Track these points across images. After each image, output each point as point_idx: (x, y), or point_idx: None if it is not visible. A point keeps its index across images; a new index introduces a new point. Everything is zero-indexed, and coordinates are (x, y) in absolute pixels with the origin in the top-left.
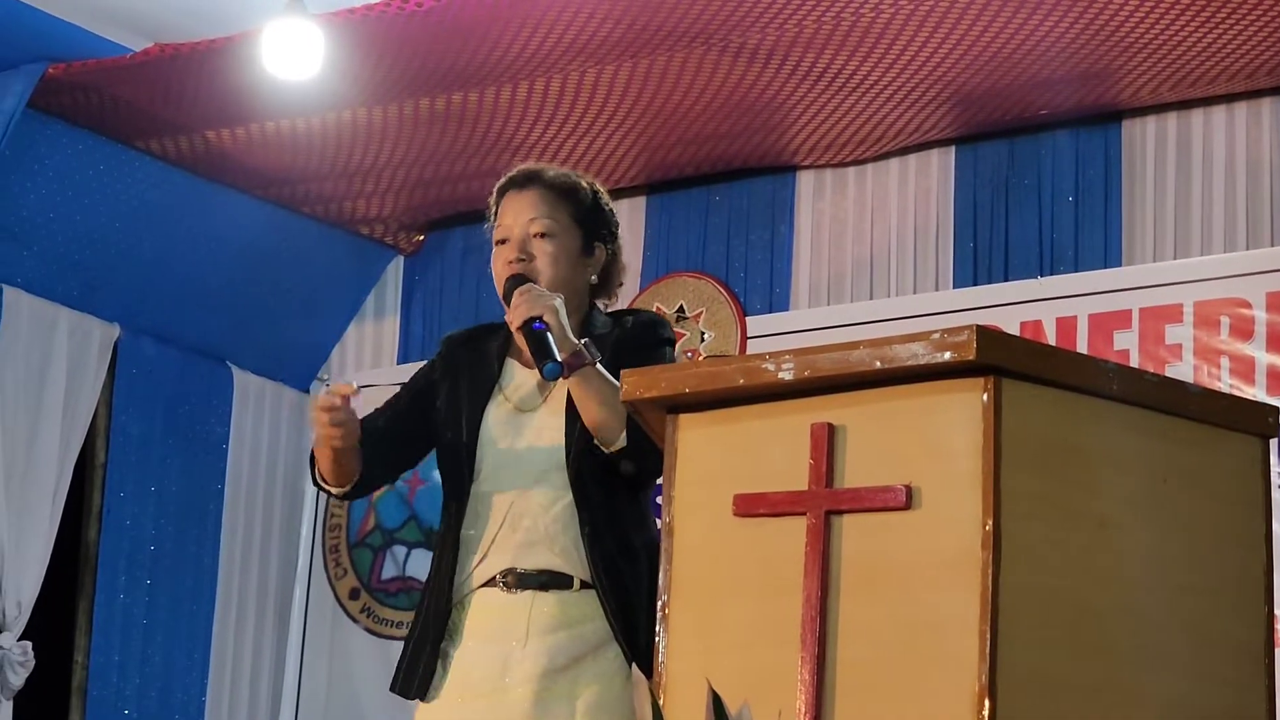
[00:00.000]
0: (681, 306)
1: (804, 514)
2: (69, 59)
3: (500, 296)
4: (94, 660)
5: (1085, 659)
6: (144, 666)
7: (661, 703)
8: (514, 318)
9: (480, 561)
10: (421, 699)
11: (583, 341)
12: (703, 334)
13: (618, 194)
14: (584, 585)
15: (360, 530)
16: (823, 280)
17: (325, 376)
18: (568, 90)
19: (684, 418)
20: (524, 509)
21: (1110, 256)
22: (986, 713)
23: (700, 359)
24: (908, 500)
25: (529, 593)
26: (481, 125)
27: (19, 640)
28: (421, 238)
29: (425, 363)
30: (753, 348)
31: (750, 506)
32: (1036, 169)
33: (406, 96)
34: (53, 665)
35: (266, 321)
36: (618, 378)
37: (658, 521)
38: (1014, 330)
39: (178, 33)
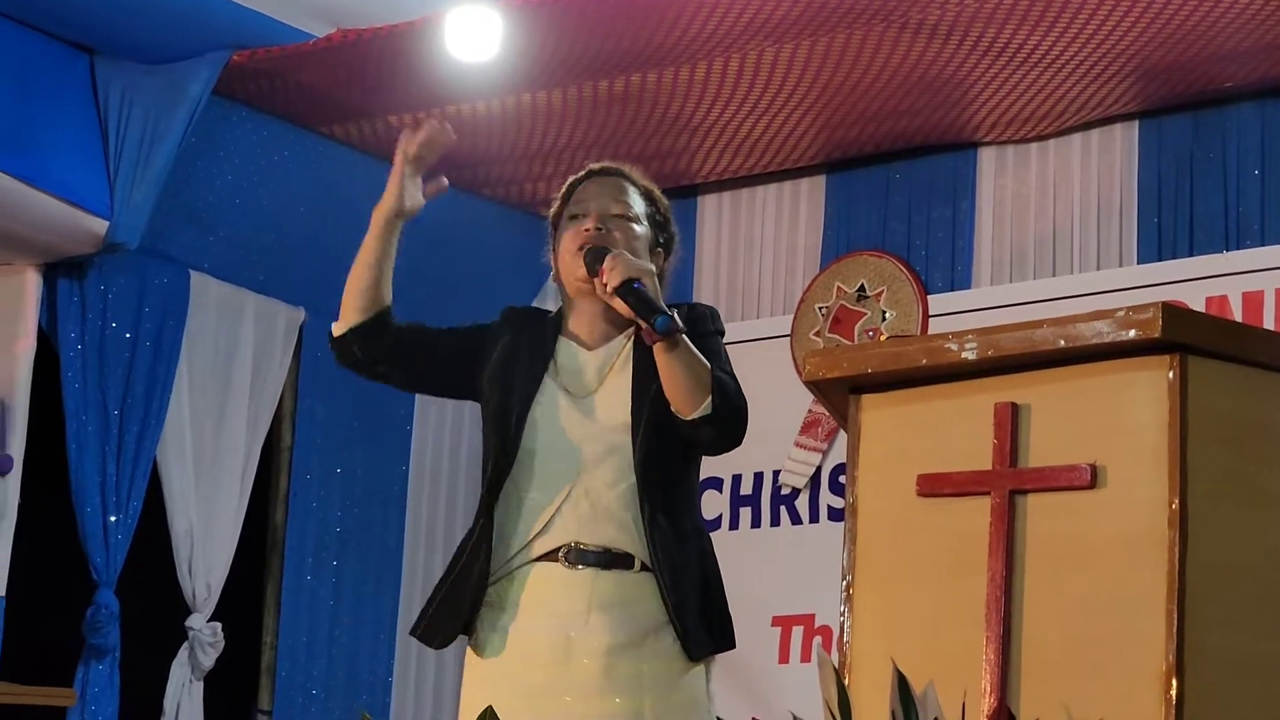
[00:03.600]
0: (862, 285)
1: (988, 493)
2: (253, 46)
3: (562, 276)
4: (282, 641)
5: (1274, 637)
6: (331, 647)
7: (846, 682)
8: (612, 279)
9: (541, 531)
10: (442, 647)
11: (672, 310)
12: (884, 313)
13: (797, 173)
14: (643, 567)
15: None
16: (1005, 257)
17: None
18: (746, 69)
19: (867, 398)
20: (590, 484)
21: None
22: (1174, 692)
23: (882, 339)
24: (1093, 479)
25: (590, 570)
26: (660, 106)
27: (209, 621)
28: None
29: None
30: (934, 326)
31: (934, 486)
32: (1222, 142)
33: (585, 78)
34: (242, 646)
35: (449, 303)
36: None
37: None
38: (1199, 306)
39: (359, 18)
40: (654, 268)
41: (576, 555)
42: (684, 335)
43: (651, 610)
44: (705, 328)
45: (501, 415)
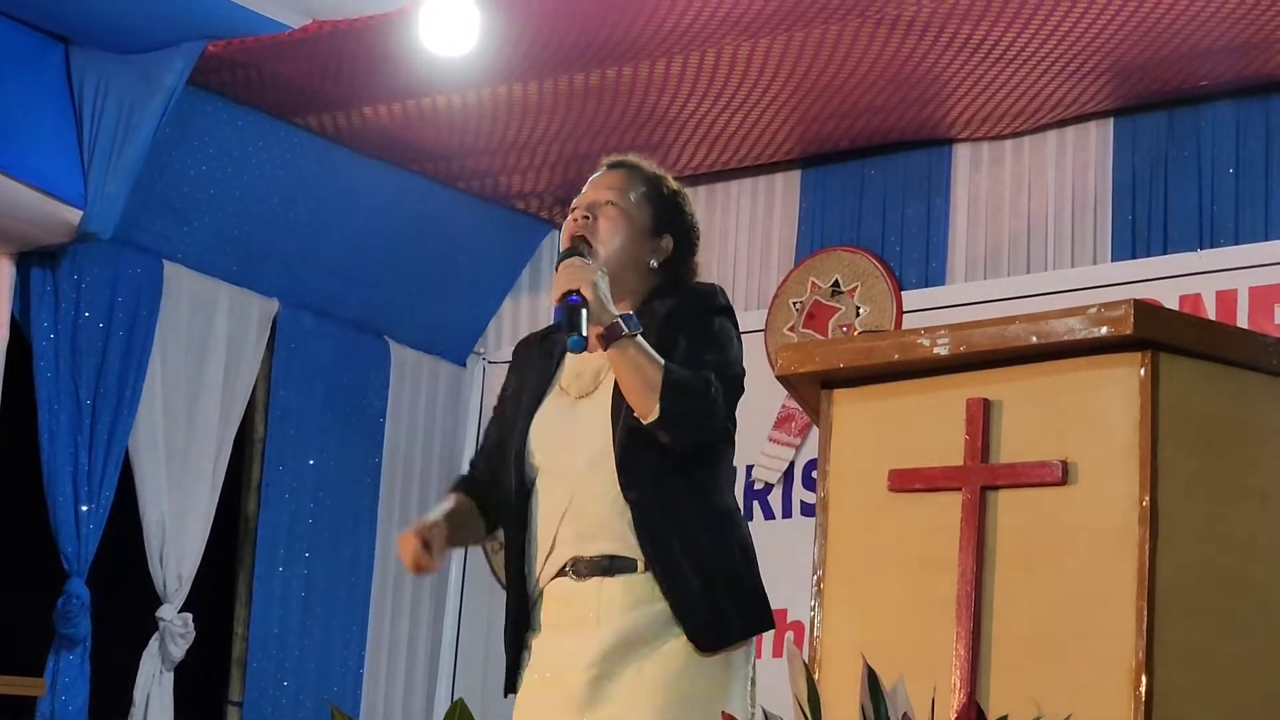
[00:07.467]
0: (837, 281)
1: (959, 489)
2: (228, 36)
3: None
4: (253, 632)
5: (1245, 635)
6: (302, 638)
7: (816, 677)
8: (553, 293)
9: (550, 554)
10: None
11: (623, 315)
12: (858, 309)
13: (772, 168)
14: (646, 568)
15: None
16: (979, 254)
17: (481, 350)
18: (722, 64)
19: (839, 393)
20: (584, 498)
21: (1271, 228)
22: (1144, 688)
23: (855, 334)
24: (1064, 475)
25: (597, 579)
26: (635, 100)
27: (180, 612)
28: None
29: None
30: (908, 322)
31: (905, 482)
32: (1196, 141)
33: (561, 71)
34: (213, 637)
35: (423, 296)
36: (669, 347)
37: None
38: (1173, 304)
39: (335, 10)
40: (598, 277)
41: (582, 567)
42: (632, 339)
43: (665, 609)
44: (697, 307)
45: (517, 456)
